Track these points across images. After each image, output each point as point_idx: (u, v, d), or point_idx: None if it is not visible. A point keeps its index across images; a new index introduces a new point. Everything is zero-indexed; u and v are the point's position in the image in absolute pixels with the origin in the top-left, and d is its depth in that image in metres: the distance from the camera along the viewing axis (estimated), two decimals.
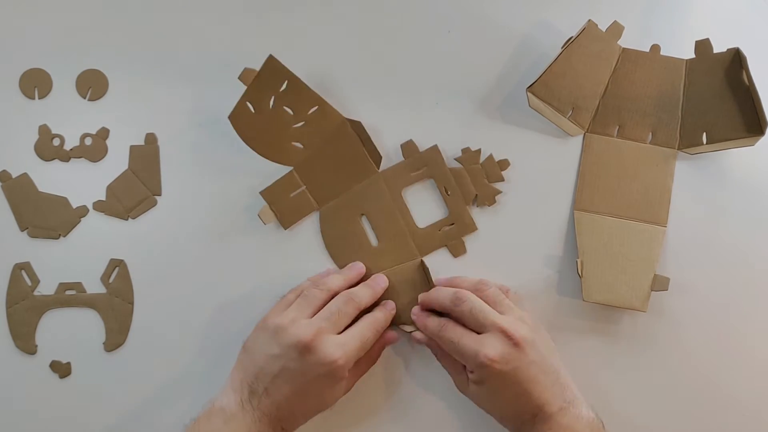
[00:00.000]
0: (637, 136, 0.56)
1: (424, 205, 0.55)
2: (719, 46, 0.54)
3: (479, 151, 0.55)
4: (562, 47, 0.55)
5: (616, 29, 0.55)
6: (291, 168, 0.55)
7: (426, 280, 0.54)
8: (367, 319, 0.51)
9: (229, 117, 0.52)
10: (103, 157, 0.56)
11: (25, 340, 0.54)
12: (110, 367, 0.54)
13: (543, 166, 0.56)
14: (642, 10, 0.58)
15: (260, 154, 0.54)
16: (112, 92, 0.57)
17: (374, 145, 0.54)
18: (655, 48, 0.56)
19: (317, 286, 0.51)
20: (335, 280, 0.52)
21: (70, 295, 0.54)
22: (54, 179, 0.56)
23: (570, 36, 0.55)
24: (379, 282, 0.53)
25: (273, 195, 0.54)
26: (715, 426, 0.54)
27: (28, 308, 0.54)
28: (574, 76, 0.54)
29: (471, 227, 0.55)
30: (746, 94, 0.53)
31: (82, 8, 0.57)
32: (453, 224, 0.55)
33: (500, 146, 0.56)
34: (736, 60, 0.53)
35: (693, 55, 0.55)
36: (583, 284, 0.53)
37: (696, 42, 0.55)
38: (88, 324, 0.55)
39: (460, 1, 0.58)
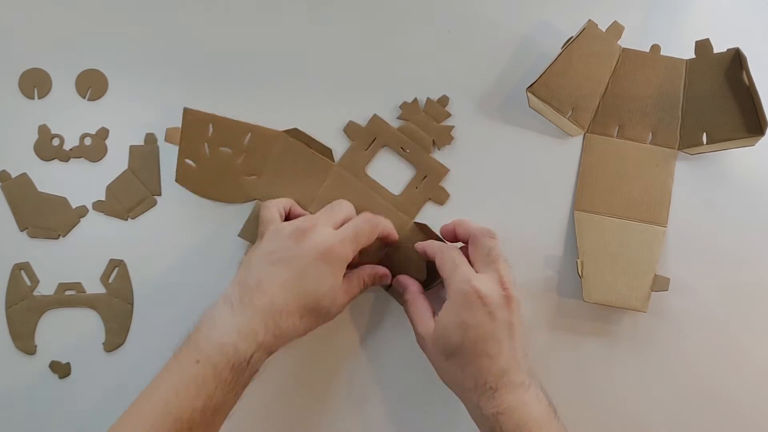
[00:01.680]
0: (637, 136, 0.56)
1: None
2: (719, 46, 0.54)
3: (416, 100, 0.56)
4: (562, 47, 0.55)
5: (616, 29, 0.55)
6: (256, 200, 0.54)
7: (431, 235, 0.53)
8: (365, 215, 0.50)
9: (176, 180, 0.53)
10: (102, 157, 0.56)
11: (24, 341, 0.54)
12: (110, 368, 0.54)
13: (543, 166, 0.56)
14: (642, 10, 0.58)
15: (221, 201, 0.54)
16: (112, 92, 0.57)
17: (319, 142, 0.55)
18: (655, 48, 0.56)
19: (342, 202, 0.51)
20: (381, 221, 0.51)
21: (70, 296, 0.54)
22: (53, 179, 0.56)
23: (570, 36, 0.55)
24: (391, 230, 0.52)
25: (251, 232, 0.54)
26: (714, 426, 0.54)
27: (27, 308, 0.54)
28: (574, 76, 0.54)
29: (442, 170, 0.55)
30: (746, 94, 0.53)
31: (81, 8, 0.57)
32: (426, 176, 0.55)
33: (500, 146, 0.56)
34: (736, 60, 0.53)
35: (693, 55, 0.55)
36: (584, 284, 0.53)
37: (696, 42, 0.55)
38: (88, 324, 0.54)
39: (460, 1, 0.58)
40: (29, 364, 0.54)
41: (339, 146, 0.56)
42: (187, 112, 0.52)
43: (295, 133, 0.54)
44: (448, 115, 0.56)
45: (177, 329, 0.54)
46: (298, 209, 0.53)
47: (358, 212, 0.52)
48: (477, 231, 0.49)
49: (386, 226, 0.51)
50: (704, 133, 0.54)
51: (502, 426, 0.44)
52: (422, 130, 0.55)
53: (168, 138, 0.53)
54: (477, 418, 0.46)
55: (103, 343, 0.54)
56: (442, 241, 0.52)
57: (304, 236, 0.47)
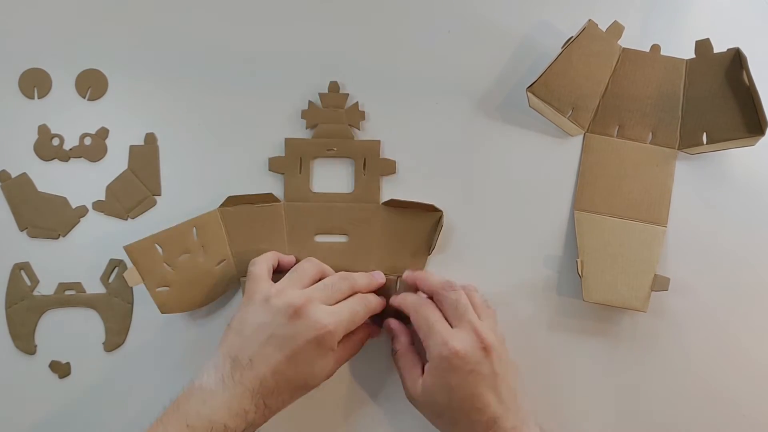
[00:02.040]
0: (637, 136, 0.56)
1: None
2: (719, 46, 0.54)
3: (311, 102, 0.56)
4: (562, 47, 0.55)
5: (616, 29, 0.55)
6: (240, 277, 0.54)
7: (407, 206, 0.54)
8: (359, 296, 0.50)
9: (162, 312, 0.52)
10: (102, 157, 0.56)
11: (24, 341, 0.54)
12: (110, 368, 0.54)
13: (543, 166, 0.56)
14: (642, 10, 0.58)
15: (212, 302, 0.54)
16: (112, 92, 0.57)
17: (258, 195, 0.54)
18: (655, 48, 0.56)
19: (310, 261, 0.51)
20: (357, 278, 0.51)
21: (70, 295, 0.54)
22: (53, 179, 0.56)
23: (570, 36, 0.55)
24: (377, 276, 0.53)
25: None
26: (714, 426, 0.54)
27: (27, 308, 0.54)
28: (574, 76, 0.54)
29: (373, 145, 0.55)
30: (746, 94, 0.53)
31: (81, 8, 0.57)
32: (364, 159, 0.55)
33: (500, 146, 0.56)
34: (736, 60, 0.53)
35: (693, 55, 0.55)
36: (584, 284, 0.53)
37: (696, 42, 0.55)
38: (88, 324, 0.54)
39: (460, 1, 0.58)
40: (29, 364, 0.54)
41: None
42: (128, 249, 0.51)
43: (232, 201, 0.54)
44: (345, 96, 0.56)
45: (176, 329, 0.55)
46: (285, 259, 0.53)
47: (331, 230, 0.53)
48: (437, 286, 0.50)
49: (377, 306, 0.51)
50: (704, 133, 0.54)
51: None
52: (333, 123, 0.55)
53: (131, 281, 0.51)
54: None
55: (103, 343, 0.54)
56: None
57: (297, 315, 0.46)
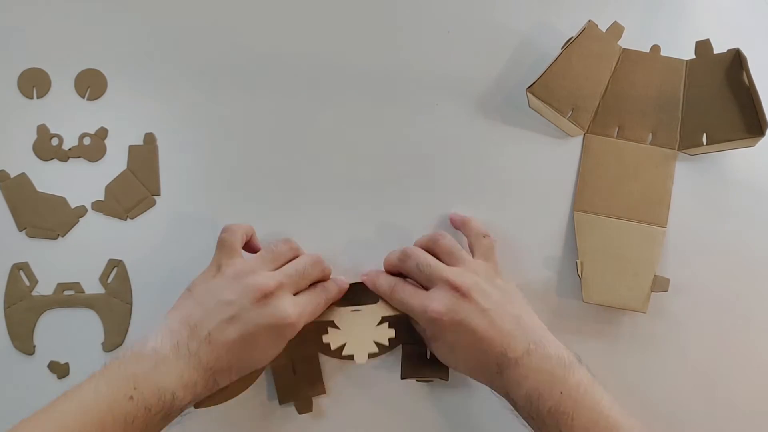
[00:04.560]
0: (637, 137, 0.56)
1: None
2: (719, 47, 0.54)
3: None
4: (562, 47, 0.55)
5: (616, 29, 0.55)
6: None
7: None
8: (320, 287, 0.50)
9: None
10: (101, 157, 0.56)
11: (23, 341, 0.54)
12: None
13: (543, 166, 0.56)
14: (642, 11, 0.58)
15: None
16: (111, 92, 0.56)
17: None
18: (655, 48, 0.56)
19: (287, 243, 0.51)
20: (309, 257, 0.50)
21: (69, 296, 0.54)
22: (52, 179, 0.55)
23: (570, 36, 0.55)
24: (342, 282, 0.52)
25: None
26: (714, 426, 0.54)
27: (26, 308, 0.54)
28: (574, 76, 0.54)
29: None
30: (746, 94, 0.53)
31: (80, 8, 0.57)
32: None
33: (500, 146, 0.56)
34: (736, 60, 0.53)
35: (693, 56, 0.55)
36: (583, 285, 0.53)
37: (696, 42, 0.55)
38: (87, 324, 0.54)
39: (460, 1, 0.58)
40: (28, 365, 0.54)
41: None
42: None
43: None
44: None
45: None
46: (255, 241, 0.53)
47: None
48: (396, 264, 0.50)
49: (336, 295, 0.51)
50: (704, 134, 0.54)
51: (516, 401, 0.45)
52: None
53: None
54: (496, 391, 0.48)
55: (102, 344, 0.54)
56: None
57: (265, 301, 0.45)
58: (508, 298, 0.48)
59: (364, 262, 0.54)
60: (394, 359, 0.54)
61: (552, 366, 0.45)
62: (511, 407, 0.46)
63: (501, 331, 0.46)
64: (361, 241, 0.55)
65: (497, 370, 0.46)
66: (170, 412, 0.43)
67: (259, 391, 0.53)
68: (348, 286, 0.52)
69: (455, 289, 0.46)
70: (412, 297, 0.48)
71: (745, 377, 0.54)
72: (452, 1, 0.58)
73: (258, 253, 0.50)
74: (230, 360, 0.45)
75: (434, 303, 0.46)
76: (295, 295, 0.48)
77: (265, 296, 0.45)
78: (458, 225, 0.54)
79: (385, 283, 0.50)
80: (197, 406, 0.47)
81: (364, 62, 0.57)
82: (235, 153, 0.56)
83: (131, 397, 0.42)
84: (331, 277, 0.52)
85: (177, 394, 0.43)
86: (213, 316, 0.45)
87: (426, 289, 0.48)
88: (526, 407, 0.45)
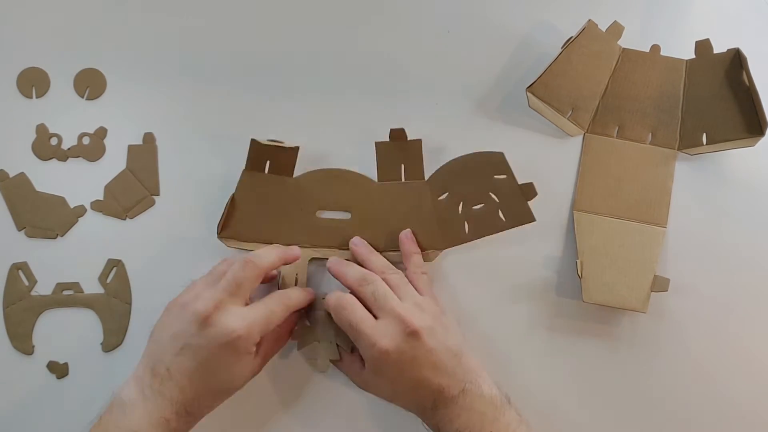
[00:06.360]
0: (636, 137, 0.56)
1: None
2: (719, 47, 0.54)
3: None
4: (562, 47, 0.55)
5: (616, 29, 0.55)
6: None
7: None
8: (278, 293, 0.49)
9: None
10: (101, 157, 0.56)
11: (22, 341, 0.54)
12: (108, 368, 0.54)
13: (543, 166, 0.56)
14: (642, 10, 0.58)
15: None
16: (110, 91, 0.56)
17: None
18: (655, 48, 0.56)
19: (225, 260, 0.50)
20: (262, 256, 0.49)
21: (68, 296, 0.54)
22: (51, 179, 0.55)
23: (570, 36, 0.55)
24: (292, 250, 0.51)
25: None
26: (715, 426, 0.54)
27: (25, 308, 0.54)
28: (574, 76, 0.54)
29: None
30: (746, 94, 0.53)
31: (80, 7, 0.57)
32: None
33: (500, 146, 0.56)
34: (736, 60, 0.53)
35: (693, 56, 0.55)
36: (583, 285, 0.53)
37: (696, 42, 0.55)
38: (86, 324, 0.54)
39: (460, 1, 0.58)
40: (27, 365, 0.54)
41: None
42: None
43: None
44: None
45: None
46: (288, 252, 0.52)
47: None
48: (353, 283, 0.49)
49: (299, 301, 0.50)
50: (704, 134, 0.54)
51: None
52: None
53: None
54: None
55: (101, 344, 0.54)
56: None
57: (207, 323, 0.45)
58: (450, 335, 0.48)
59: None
60: None
61: (485, 406, 0.46)
62: None
63: (441, 370, 0.46)
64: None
65: (432, 406, 0.46)
66: None
67: (259, 390, 0.53)
68: (314, 296, 0.52)
69: (406, 325, 0.46)
70: (361, 322, 0.47)
71: (746, 377, 0.54)
72: (452, 1, 0.58)
73: (201, 278, 0.49)
74: (196, 389, 0.45)
75: (384, 340, 0.46)
76: (247, 306, 0.47)
77: (207, 318, 0.45)
78: (403, 247, 0.53)
79: (334, 300, 0.48)
80: None
81: (364, 62, 0.57)
82: (235, 153, 0.56)
83: None
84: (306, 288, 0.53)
85: None
86: (167, 351, 0.46)
87: (373, 315, 0.48)
88: None
